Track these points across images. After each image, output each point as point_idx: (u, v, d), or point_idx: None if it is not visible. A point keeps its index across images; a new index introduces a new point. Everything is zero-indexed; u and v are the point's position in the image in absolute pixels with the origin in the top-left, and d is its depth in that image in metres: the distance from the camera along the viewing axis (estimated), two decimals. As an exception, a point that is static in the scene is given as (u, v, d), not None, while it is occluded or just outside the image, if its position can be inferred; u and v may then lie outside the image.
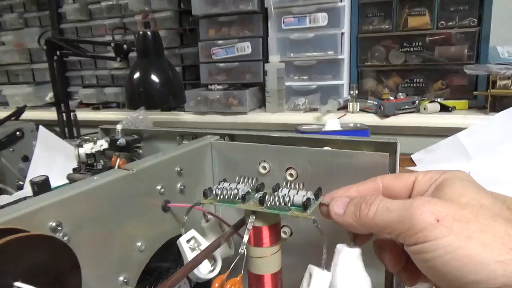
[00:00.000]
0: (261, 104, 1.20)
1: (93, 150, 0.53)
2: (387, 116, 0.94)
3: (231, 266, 0.32)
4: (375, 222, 0.25)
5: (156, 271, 0.41)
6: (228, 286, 0.30)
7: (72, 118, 1.28)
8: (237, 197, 0.33)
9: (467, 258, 0.20)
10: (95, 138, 0.55)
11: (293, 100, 1.12)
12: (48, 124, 0.87)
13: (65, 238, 0.27)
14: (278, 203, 0.31)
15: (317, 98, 1.11)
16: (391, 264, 0.28)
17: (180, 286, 0.42)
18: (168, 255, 0.41)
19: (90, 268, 0.30)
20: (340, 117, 0.98)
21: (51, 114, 1.28)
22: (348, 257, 0.29)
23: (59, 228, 0.27)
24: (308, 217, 0.30)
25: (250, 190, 0.34)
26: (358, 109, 1.02)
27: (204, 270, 0.35)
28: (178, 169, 0.40)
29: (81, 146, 0.53)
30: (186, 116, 1.18)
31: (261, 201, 0.32)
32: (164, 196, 0.38)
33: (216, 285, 0.30)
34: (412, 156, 0.93)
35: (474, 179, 0.25)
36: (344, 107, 1.06)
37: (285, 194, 0.31)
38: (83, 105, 1.56)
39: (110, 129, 0.60)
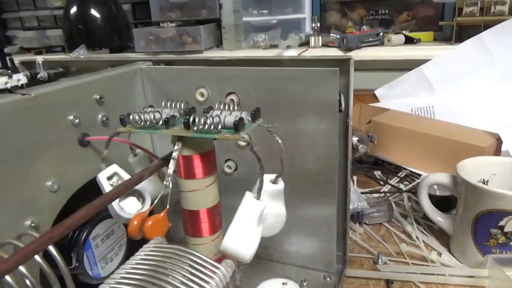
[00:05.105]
0: (219, 43, 1.11)
1: (9, 86, 0.46)
2: (350, 49, 0.89)
3: (155, 202, 0.28)
4: None
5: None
6: (150, 223, 0.25)
7: (9, 64, 1.15)
8: (161, 122, 0.28)
9: None
10: (9, 72, 0.47)
11: (252, 37, 1.04)
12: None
13: None
14: (206, 126, 0.26)
15: (278, 34, 1.03)
16: None
17: (114, 230, 0.38)
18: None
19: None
20: (300, 53, 0.92)
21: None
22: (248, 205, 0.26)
23: None
24: (241, 139, 0.25)
25: (177, 115, 0.29)
26: (320, 44, 0.96)
27: (131, 210, 0.30)
28: (97, 97, 0.34)
29: (-7, 81, 0.45)
30: (136, 57, 1.09)
31: (187, 125, 0.26)
32: (80, 128, 0.32)
33: (135, 222, 0.25)
34: (375, 92, 0.89)
35: None
36: (306, 43, 1.00)
37: (215, 116, 0.26)
38: (24, 50, 1.41)
39: (33, 62, 0.52)
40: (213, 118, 0.26)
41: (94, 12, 0.84)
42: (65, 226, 0.21)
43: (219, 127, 0.26)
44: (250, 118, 0.27)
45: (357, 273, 0.42)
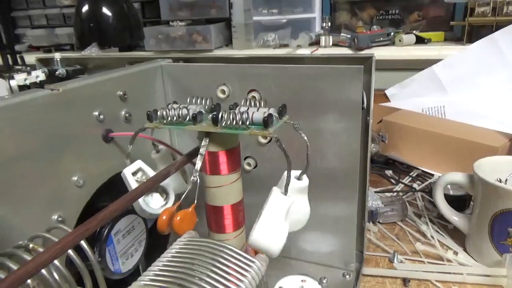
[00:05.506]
0: (228, 42, 1.11)
1: (28, 82, 0.46)
2: (361, 49, 0.89)
3: (182, 197, 0.28)
4: None
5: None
6: (178, 218, 0.25)
7: (20, 62, 1.16)
8: (188, 118, 0.28)
9: None
10: (28, 68, 0.48)
11: (262, 36, 1.04)
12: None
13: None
14: (235, 122, 0.26)
15: (288, 33, 1.04)
16: None
17: (134, 226, 0.38)
18: (120, 193, 0.36)
19: (13, 205, 0.25)
20: (312, 52, 0.92)
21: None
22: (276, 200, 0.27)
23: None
24: (270, 135, 0.25)
25: (203, 111, 0.29)
26: (330, 43, 0.96)
27: (155, 205, 0.31)
28: (121, 93, 0.34)
29: (12, 78, 0.46)
30: (146, 55, 1.09)
31: (215, 120, 0.27)
32: (104, 124, 0.32)
33: (164, 217, 0.25)
34: (386, 92, 0.89)
35: None
36: (316, 42, 1.00)
37: (243, 112, 0.26)
38: (33, 48, 1.42)
39: (49, 59, 0.52)
40: (241, 114, 0.26)
41: (106, 10, 0.84)
42: (99, 220, 0.22)
43: (248, 123, 0.26)
44: (277, 115, 0.27)
45: (374, 271, 0.42)
